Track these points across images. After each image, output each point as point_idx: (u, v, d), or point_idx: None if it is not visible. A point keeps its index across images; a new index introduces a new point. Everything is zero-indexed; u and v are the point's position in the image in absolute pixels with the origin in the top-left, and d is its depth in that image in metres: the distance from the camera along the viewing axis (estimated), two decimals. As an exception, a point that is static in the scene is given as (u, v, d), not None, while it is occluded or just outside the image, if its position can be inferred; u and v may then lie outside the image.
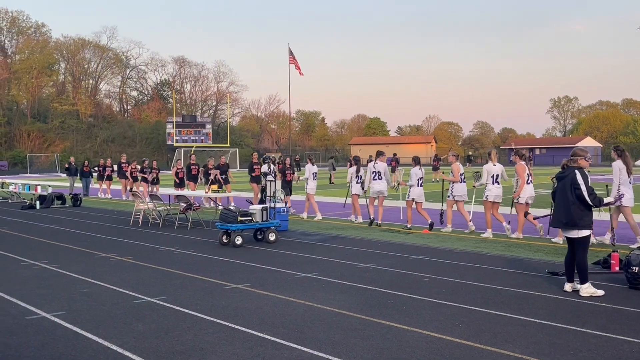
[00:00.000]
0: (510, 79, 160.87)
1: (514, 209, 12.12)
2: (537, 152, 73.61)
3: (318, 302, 6.84)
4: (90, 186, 27.10)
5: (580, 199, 7.12)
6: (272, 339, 5.48)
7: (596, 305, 6.66)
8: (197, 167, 19.99)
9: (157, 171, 20.95)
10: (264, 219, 11.80)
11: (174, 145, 61.24)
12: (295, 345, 5.28)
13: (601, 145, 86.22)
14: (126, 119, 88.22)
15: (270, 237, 11.54)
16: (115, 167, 26.27)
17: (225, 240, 11.28)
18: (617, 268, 8.28)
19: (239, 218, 11.25)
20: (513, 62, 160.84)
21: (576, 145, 79.60)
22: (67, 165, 27.58)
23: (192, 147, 59.46)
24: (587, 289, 7.12)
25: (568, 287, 7.36)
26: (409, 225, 13.45)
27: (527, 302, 6.81)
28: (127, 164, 23.92)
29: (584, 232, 7.16)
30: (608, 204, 7.83)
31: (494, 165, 12.26)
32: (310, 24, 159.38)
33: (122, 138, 79.45)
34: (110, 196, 25.08)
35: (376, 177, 14.02)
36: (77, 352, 5.17)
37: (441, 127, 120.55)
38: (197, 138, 63.57)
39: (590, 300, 6.87)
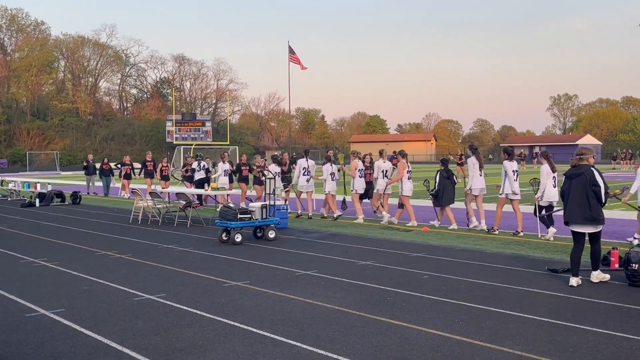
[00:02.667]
0: (510, 77, 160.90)
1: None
2: (537, 149, 73.60)
3: (318, 299, 6.84)
4: (111, 185, 25.35)
5: (597, 196, 7.40)
6: (272, 336, 5.48)
7: (596, 302, 6.66)
8: (247, 167, 18.35)
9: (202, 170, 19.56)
10: (264, 216, 11.80)
11: (174, 143, 61.15)
12: (294, 343, 5.28)
13: (601, 143, 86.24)
14: (126, 117, 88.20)
15: (269, 235, 11.53)
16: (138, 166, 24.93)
17: (224, 238, 11.28)
18: (616, 265, 8.28)
19: (239, 215, 11.25)
20: (513, 60, 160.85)
21: (576, 143, 79.73)
22: (85, 164, 26.10)
23: (191, 144, 59.42)
24: (598, 275, 7.66)
25: (574, 281, 7.41)
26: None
27: (527, 299, 6.81)
28: (151, 162, 23.10)
29: (602, 226, 7.68)
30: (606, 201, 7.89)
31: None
32: (309, 21, 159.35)
33: (122, 136, 79.45)
34: (128, 195, 23.26)
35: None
36: (76, 350, 5.16)
37: (441, 124, 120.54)
38: (196, 136, 63.48)
39: (590, 297, 6.87)
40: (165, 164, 22.36)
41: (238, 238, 11.09)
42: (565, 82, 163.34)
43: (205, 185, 18.54)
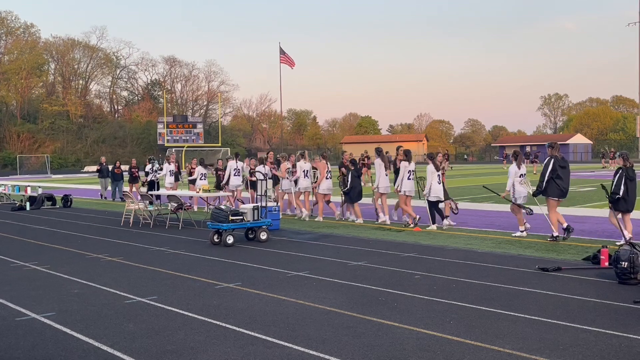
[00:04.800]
0: (501, 77, 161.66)
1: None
2: (528, 149, 73.93)
3: (309, 300, 6.84)
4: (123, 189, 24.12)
5: None
6: (263, 337, 5.48)
7: (585, 300, 6.71)
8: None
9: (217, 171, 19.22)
10: (256, 218, 11.79)
11: (165, 145, 61.06)
12: (286, 344, 5.28)
13: (591, 142, 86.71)
14: (117, 120, 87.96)
15: (261, 236, 11.53)
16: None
17: (216, 240, 11.27)
18: (606, 263, 8.33)
19: (230, 217, 11.24)
20: (504, 60, 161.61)
21: (567, 142, 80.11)
22: (98, 167, 25.21)
23: (183, 147, 59.29)
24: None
25: None
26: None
27: (518, 298, 6.84)
28: (137, 169, 22.79)
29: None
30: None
31: (305, 162, 15.36)
32: (300, 23, 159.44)
33: (113, 138, 79.19)
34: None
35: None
36: (67, 353, 5.15)
37: (432, 125, 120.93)
38: (188, 138, 63.44)
39: (580, 295, 6.91)
40: (134, 165, 22.77)
41: (230, 240, 11.07)
42: (556, 81, 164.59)
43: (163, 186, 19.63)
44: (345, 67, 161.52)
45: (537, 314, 6.14)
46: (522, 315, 6.09)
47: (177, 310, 6.48)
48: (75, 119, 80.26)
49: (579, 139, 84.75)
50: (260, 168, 15.85)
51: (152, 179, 20.08)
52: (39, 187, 23.78)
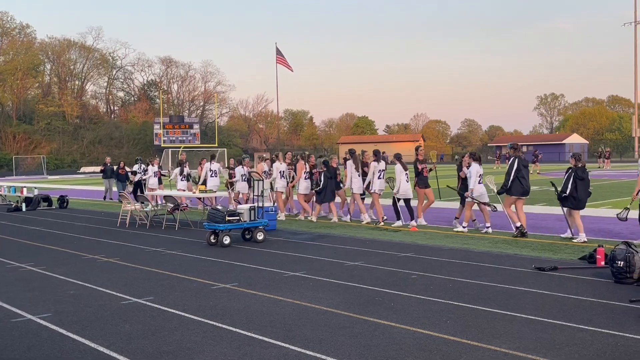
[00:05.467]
0: (498, 77, 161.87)
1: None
2: (525, 149, 74.13)
3: (306, 300, 6.84)
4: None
5: None
6: (260, 337, 5.48)
7: (582, 299, 6.72)
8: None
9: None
10: (252, 218, 11.78)
11: (162, 145, 60.93)
12: (283, 344, 5.28)
13: (587, 142, 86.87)
14: (113, 120, 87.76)
15: (258, 237, 11.52)
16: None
17: (213, 240, 11.25)
18: (602, 263, 8.35)
19: (227, 218, 11.23)
20: (500, 60, 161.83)
21: (563, 142, 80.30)
22: (102, 167, 24.53)
23: (180, 147, 59.21)
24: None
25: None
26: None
27: (514, 297, 6.85)
28: (123, 169, 22.56)
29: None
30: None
31: (281, 164, 15.65)
32: (297, 23, 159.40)
33: (109, 139, 79.04)
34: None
35: (381, 176, 14.03)
36: (63, 354, 5.13)
37: (429, 125, 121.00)
38: (184, 138, 63.25)
39: (576, 294, 6.93)
40: (122, 166, 22.89)
41: (226, 240, 11.06)
42: (552, 81, 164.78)
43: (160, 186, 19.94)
44: (342, 67, 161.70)
45: (533, 313, 6.15)
46: (519, 315, 6.10)
47: (174, 311, 6.47)
48: (71, 119, 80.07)
49: (575, 138, 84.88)
50: (239, 169, 16.44)
51: (139, 179, 20.53)
52: (35, 188, 23.71)
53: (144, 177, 20.43)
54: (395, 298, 6.91)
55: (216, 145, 58.91)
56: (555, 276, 7.95)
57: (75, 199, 24.74)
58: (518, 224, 11.43)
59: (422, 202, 13.81)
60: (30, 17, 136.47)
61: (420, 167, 13.68)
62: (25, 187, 22.04)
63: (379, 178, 13.90)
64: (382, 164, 14.02)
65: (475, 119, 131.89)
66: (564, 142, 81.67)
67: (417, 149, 14.16)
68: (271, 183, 15.69)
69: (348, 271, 8.56)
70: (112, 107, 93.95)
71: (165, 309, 6.59)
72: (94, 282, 8.10)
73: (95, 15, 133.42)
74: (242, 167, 16.49)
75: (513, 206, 11.73)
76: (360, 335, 5.52)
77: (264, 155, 17.61)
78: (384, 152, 15.03)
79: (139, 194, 18.03)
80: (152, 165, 20.24)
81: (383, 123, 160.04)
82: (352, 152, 14.92)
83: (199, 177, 18.18)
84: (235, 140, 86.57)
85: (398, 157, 13.93)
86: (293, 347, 5.18)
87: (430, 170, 14.12)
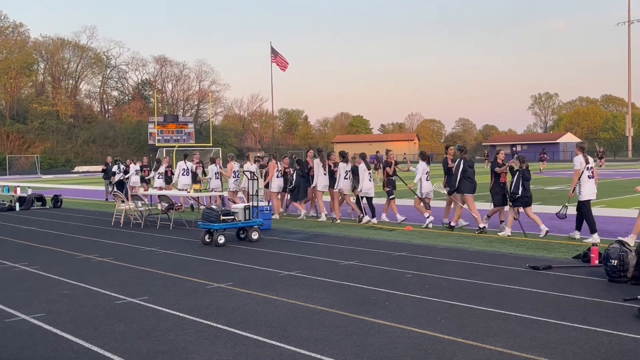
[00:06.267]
0: (492, 77, 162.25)
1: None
2: (519, 148, 74.28)
3: (301, 300, 6.84)
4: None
5: None
6: (255, 337, 5.46)
7: (576, 298, 6.74)
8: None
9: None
10: (247, 217, 11.76)
11: (156, 145, 60.84)
12: (277, 343, 5.27)
13: (581, 141, 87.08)
14: (107, 119, 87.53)
15: (253, 236, 11.51)
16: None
17: (207, 240, 11.23)
18: (596, 262, 8.37)
19: (222, 217, 11.20)
20: (494, 60, 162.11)
21: (557, 141, 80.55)
22: (103, 167, 24.14)
23: (174, 146, 59.09)
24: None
25: None
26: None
27: (508, 296, 6.86)
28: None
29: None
30: None
31: (251, 164, 16.20)
32: (292, 22, 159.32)
33: (104, 138, 78.81)
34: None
35: (347, 176, 14.45)
36: (57, 354, 5.11)
37: (424, 124, 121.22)
38: (179, 138, 63.19)
39: (570, 293, 6.94)
40: (145, 164, 22.26)
41: (221, 240, 11.04)
42: (546, 81, 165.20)
43: (145, 185, 20.60)
44: (337, 66, 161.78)
45: (527, 312, 6.16)
46: (513, 314, 6.11)
47: (168, 311, 6.45)
48: (65, 119, 79.78)
49: (569, 138, 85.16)
50: (212, 167, 17.32)
51: (119, 179, 21.29)
52: (29, 187, 23.62)
53: (125, 177, 21.11)
54: (390, 297, 6.91)
55: (211, 144, 58.82)
56: (550, 275, 7.97)
57: (69, 199, 24.66)
58: (482, 225, 12.02)
59: (451, 204, 13.12)
60: (24, 16, 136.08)
61: (450, 166, 13.10)
62: (18, 186, 21.93)
63: (344, 178, 14.28)
64: (349, 165, 14.40)
65: (469, 119, 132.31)
66: (558, 141, 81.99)
67: (447, 147, 13.70)
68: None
69: (343, 270, 8.56)
70: (106, 107, 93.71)
71: (160, 308, 6.57)
72: (88, 281, 8.07)
73: (90, 14, 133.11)
74: (215, 166, 17.36)
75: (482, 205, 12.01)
76: (355, 334, 5.52)
77: (233, 155, 18.17)
78: (377, 152, 15.09)
79: (133, 193, 17.99)
80: (134, 163, 21.06)
81: (378, 122, 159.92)
82: (319, 151, 15.45)
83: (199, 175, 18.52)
84: (229, 140, 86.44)
85: (362, 156, 14.34)
86: (288, 347, 5.18)
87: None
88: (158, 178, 18.91)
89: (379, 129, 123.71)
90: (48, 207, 20.86)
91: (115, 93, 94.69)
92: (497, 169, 11.96)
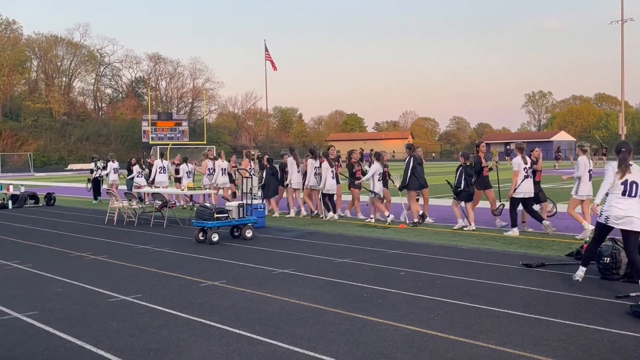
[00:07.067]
0: (486, 75, 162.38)
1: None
2: (513, 146, 74.53)
3: (294, 297, 6.84)
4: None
5: None
6: (248, 335, 5.47)
7: (568, 295, 6.77)
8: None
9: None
10: (241, 215, 11.75)
11: (150, 142, 60.66)
12: (271, 341, 5.27)
13: (575, 139, 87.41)
14: (101, 117, 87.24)
15: (247, 234, 11.50)
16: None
17: (201, 238, 11.21)
18: (589, 259, 8.40)
19: (215, 215, 11.19)
20: (489, 58, 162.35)
21: (551, 139, 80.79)
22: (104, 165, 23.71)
23: (168, 144, 58.97)
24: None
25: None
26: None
27: (501, 294, 6.89)
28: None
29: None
30: None
31: (223, 161, 17.03)
32: (286, 20, 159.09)
33: (97, 136, 78.57)
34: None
35: (316, 173, 14.76)
36: (50, 352, 5.10)
37: (418, 122, 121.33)
38: (173, 135, 63.05)
39: (563, 291, 6.97)
40: (133, 163, 22.36)
41: (215, 238, 11.03)
42: (540, 79, 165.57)
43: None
44: (332, 65, 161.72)
45: (520, 309, 6.19)
46: (506, 311, 6.13)
47: (162, 309, 6.44)
48: (58, 116, 79.48)
49: (562, 136, 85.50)
50: (183, 166, 18.00)
51: (96, 176, 21.84)
52: (22, 185, 23.50)
53: (101, 174, 21.54)
54: (383, 295, 6.93)
55: (205, 142, 58.69)
56: (543, 272, 8.01)
57: (63, 197, 24.57)
58: (415, 220, 13.00)
59: (476, 204, 12.57)
60: (17, 13, 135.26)
61: (484, 165, 12.49)
62: (11, 184, 21.83)
63: (314, 175, 14.68)
64: (317, 162, 14.68)
65: (463, 117, 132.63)
66: (551, 139, 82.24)
67: (478, 145, 13.04)
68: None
69: (337, 268, 8.57)
70: (99, 104, 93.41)
71: (153, 306, 6.56)
72: (81, 279, 8.05)
73: (83, 11, 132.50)
74: (186, 164, 18.12)
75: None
76: (349, 331, 5.53)
77: (207, 152, 18.48)
78: (371, 150, 15.19)
79: (126, 191, 17.92)
80: (113, 161, 21.50)
81: (372, 120, 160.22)
82: (291, 150, 15.95)
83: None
84: (224, 138, 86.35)
85: (326, 155, 14.75)
86: (281, 344, 5.18)
87: (491, 169, 12.70)
88: (139, 177, 19.32)
89: (373, 127, 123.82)
90: (41, 205, 20.78)
91: (109, 91, 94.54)
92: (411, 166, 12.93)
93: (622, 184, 6.93)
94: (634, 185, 6.90)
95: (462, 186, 12.01)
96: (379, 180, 13.47)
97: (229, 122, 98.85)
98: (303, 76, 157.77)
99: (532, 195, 11.33)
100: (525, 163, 11.21)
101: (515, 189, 11.13)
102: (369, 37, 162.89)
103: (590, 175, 10.75)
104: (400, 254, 9.61)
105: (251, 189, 12.74)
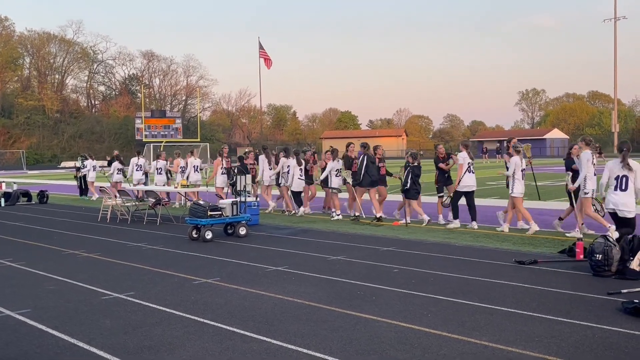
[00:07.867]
0: (480, 72, 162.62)
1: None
2: (505, 144, 74.66)
3: (288, 294, 6.84)
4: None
5: None
6: (242, 332, 5.47)
7: (561, 292, 6.80)
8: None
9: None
10: (234, 213, 11.74)
11: (143, 140, 60.46)
12: (264, 338, 5.27)
13: (568, 137, 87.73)
14: (94, 114, 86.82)
15: (240, 232, 11.49)
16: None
17: (195, 235, 11.20)
18: (581, 256, 8.45)
19: (209, 212, 11.18)
20: (482, 56, 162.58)
21: (544, 137, 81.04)
22: (108, 159, 23.88)
23: (161, 142, 58.81)
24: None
25: None
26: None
27: (494, 291, 6.91)
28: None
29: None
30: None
31: (195, 159, 17.48)
32: (280, 18, 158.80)
33: (90, 134, 78.25)
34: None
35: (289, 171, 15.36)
36: (42, 350, 5.08)
37: (412, 120, 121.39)
38: (166, 133, 62.86)
39: (555, 288, 7.01)
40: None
41: (208, 235, 11.02)
42: (533, 77, 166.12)
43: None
44: (326, 62, 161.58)
45: (513, 306, 6.21)
46: (499, 308, 6.16)
47: (155, 306, 6.44)
48: (51, 114, 79.06)
49: (556, 133, 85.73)
50: (159, 163, 18.23)
51: (82, 175, 22.14)
52: (14, 182, 23.39)
53: (82, 172, 21.92)
54: (377, 292, 6.94)
55: (198, 140, 58.55)
56: (535, 269, 8.04)
57: (56, 194, 24.48)
58: (357, 213, 13.83)
59: (375, 196, 13.64)
60: (9, 9, 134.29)
61: (574, 167, 11.47)
62: (4, 182, 21.71)
63: (287, 173, 15.28)
64: (293, 161, 15.19)
65: (457, 114, 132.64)
66: (544, 137, 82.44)
67: (571, 148, 12.01)
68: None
69: (330, 265, 8.58)
70: (93, 102, 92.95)
71: (147, 304, 6.55)
72: (74, 277, 8.03)
73: (76, 8, 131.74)
74: (157, 162, 18.35)
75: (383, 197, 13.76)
76: (342, 328, 5.54)
77: (179, 151, 18.97)
78: (363, 146, 15.19)
79: (118, 189, 17.87)
80: (92, 159, 21.97)
81: (366, 118, 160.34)
82: (264, 148, 16.67)
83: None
84: (217, 135, 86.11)
85: (296, 152, 15.39)
86: (275, 341, 5.19)
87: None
88: (117, 174, 19.82)
89: (367, 125, 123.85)
90: (34, 202, 20.69)
91: (102, 88, 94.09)
92: (440, 164, 13.13)
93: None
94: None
95: (408, 185, 12.73)
96: (336, 176, 14.35)
97: (222, 120, 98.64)
98: (297, 74, 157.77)
99: (474, 189, 12.32)
100: (471, 159, 12.20)
101: (459, 183, 12.06)
102: (363, 35, 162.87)
103: (523, 174, 11.45)
104: (394, 252, 9.63)
105: (245, 186, 12.72)
